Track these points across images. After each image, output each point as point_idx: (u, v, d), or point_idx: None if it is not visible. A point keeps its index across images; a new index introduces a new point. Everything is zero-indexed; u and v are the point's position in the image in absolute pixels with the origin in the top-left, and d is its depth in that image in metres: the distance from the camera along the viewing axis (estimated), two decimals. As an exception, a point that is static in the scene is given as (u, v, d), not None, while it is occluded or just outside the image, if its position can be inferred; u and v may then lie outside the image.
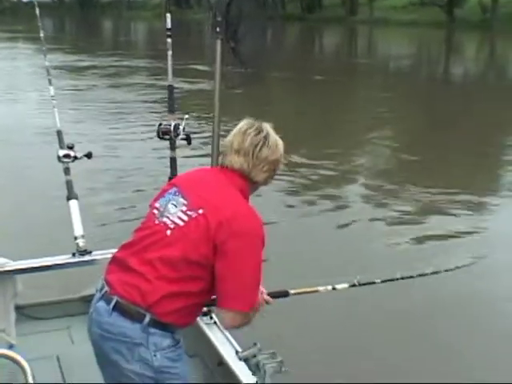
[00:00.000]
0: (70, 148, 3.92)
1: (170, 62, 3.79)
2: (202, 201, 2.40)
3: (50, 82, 4.33)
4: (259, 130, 2.53)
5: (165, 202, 2.49)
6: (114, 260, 2.51)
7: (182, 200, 2.45)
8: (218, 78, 3.59)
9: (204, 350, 3.41)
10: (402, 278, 3.36)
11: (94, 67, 22.31)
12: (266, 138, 2.52)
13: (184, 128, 3.71)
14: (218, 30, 3.53)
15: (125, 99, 16.22)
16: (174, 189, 2.52)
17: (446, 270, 3.65)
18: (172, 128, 3.65)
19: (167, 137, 3.67)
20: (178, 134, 3.66)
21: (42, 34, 4.45)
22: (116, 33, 48.16)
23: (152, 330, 2.33)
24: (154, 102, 15.07)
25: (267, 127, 2.57)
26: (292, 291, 3.07)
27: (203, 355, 3.46)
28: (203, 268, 2.35)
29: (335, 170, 10.11)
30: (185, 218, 2.38)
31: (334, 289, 3.21)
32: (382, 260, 6.30)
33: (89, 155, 3.96)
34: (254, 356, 2.86)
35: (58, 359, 3.56)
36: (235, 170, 2.51)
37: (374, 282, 3.31)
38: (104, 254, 3.54)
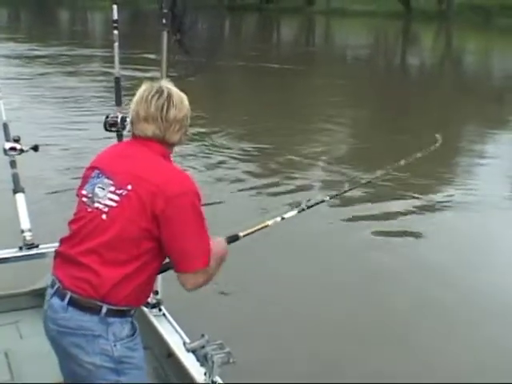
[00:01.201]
0: (16, 141, 3.87)
1: (116, 54, 3.76)
2: (128, 176, 2.37)
3: None
4: (161, 92, 2.47)
5: (91, 187, 2.45)
6: (58, 255, 2.49)
7: (107, 181, 2.41)
8: (164, 69, 3.60)
9: (153, 342, 3.40)
10: (351, 189, 3.39)
11: (47, 56, 21.93)
12: (170, 97, 2.47)
13: (131, 120, 3.70)
14: (164, 21, 3.55)
15: (77, 87, 16.07)
16: (96, 171, 2.47)
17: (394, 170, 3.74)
18: (119, 120, 3.62)
19: (114, 129, 3.64)
20: (124, 127, 3.64)
21: None
22: (72, 23, 47.49)
23: (111, 320, 2.33)
24: (107, 90, 14.92)
25: (167, 86, 2.51)
26: (241, 233, 2.99)
27: (153, 347, 3.45)
28: (148, 241, 2.34)
29: (288, 155, 10.36)
30: (116, 198, 2.36)
31: (283, 219, 3.13)
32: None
33: (35, 148, 3.91)
34: (202, 347, 2.82)
35: (5, 355, 3.50)
36: (149, 137, 2.46)
37: (323, 201, 3.26)
38: (52, 248, 3.48)
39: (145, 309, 3.43)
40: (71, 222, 2.48)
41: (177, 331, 3.25)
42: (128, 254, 2.32)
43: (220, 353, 2.78)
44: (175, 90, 2.52)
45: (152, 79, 2.58)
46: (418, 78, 21.72)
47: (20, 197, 3.78)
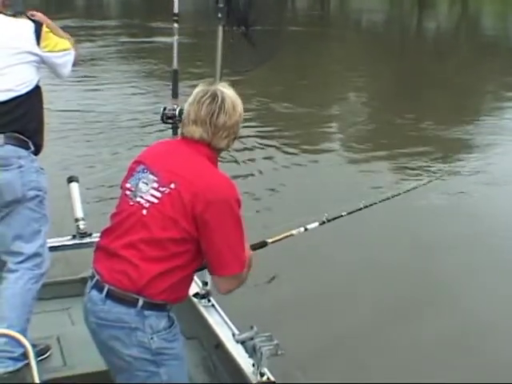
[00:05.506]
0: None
1: (175, 47, 3.70)
2: (172, 175, 2.40)
3: None
4: (214, 97, 2.46)
5: (135, 181, 2.47)
6: (99, 248, 2.52)
7: (151, 177, 2.43)
8: (218, 65, 3.55)
9: (202, 332, 3.47)
10: (366, 207, 3.49)
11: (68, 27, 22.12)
12: (222, 103, 2.46)
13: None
14: (219, 15, 3.46)
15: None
16: (142, 166, 2.49)
17: (406, 191, 3.92)
18: (177, 113, 3.58)
19: (170, 121, 3.62)
20: (181, 120, 3.69)
21: None
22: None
23: (147, 313, 2.37)
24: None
25: (222, 91, 2.49)
26: (269, 240, 3.11)
27: (201, 337, 3.50)
28: (187, 242, 2.38)
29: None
30: (158, 194, 2.38)
31: (306, 230, 3.29)
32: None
33: None
34: (251, 339, 2.92)
35: (58, 339, 3.54)
36: (196, 140, 2.49)
37: (341, 216, 3.40)
38: None
39: (194, 299, 3.51)
40: (113, 215, 2.51)
41: (225, 322, 3.33)
42: (167, 252, 2.36)
43: (268, 345, 2.87)
44: (230, 96, 2.50)
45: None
46: (434, 44, 21.70)
47: (74, 186, 3.88)
